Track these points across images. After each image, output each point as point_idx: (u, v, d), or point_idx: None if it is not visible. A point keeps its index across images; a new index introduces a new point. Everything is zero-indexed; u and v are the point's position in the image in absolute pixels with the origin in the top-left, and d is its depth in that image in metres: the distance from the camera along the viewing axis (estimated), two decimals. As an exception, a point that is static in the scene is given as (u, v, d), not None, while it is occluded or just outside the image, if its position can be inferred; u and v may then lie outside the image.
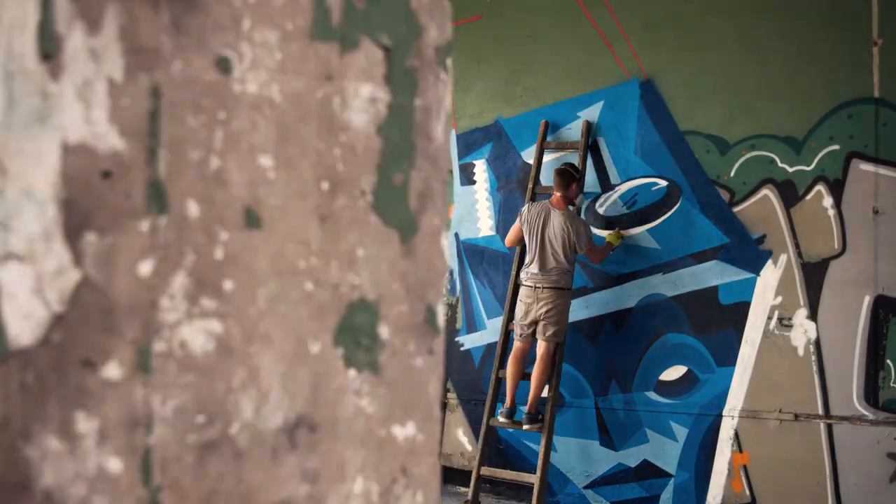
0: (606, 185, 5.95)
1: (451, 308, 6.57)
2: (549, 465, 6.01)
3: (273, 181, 0.60)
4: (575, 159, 5.90)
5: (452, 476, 6.45)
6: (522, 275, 5.68)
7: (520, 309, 5.66)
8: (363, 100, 0.65)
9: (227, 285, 0.58)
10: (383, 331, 0.66)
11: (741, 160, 5.45)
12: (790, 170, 5.30)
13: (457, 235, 6.59)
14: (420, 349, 0.67)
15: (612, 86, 5.95)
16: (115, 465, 0.52)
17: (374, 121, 0.65)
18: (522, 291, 5.65)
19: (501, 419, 5.69)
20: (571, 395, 5.97)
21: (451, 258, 6.59)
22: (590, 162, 5.97)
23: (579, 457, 5.94)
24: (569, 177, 5.58)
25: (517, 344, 5.69)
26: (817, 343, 5.16)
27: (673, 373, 5.62)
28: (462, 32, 6.59)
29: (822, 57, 5.21)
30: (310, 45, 0.62)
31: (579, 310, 5.93)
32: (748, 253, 5.39)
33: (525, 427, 5.63)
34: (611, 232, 5.76)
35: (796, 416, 5.17)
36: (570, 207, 5.64)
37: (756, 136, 5.41)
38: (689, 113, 5.64)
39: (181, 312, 0.55)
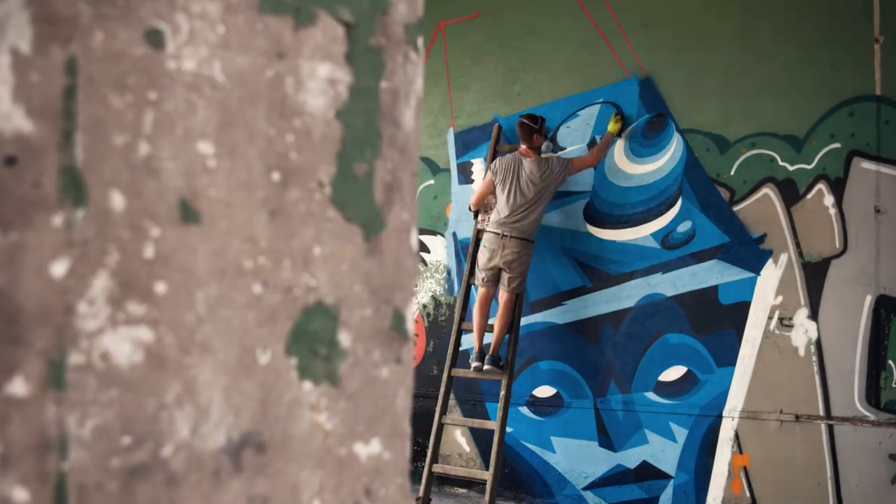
0: (604, 183, 5.90)
1: (449, 308, 6.53)
2: (548, 466, 5.97)
3: (214, 170, 0.53)
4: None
5: (451, 478, 6.40)
6: (490, 224, 5.78)
7: (482, 255, 5.76)
8: (321, 81, 0.58)
9: (159, 288, 0.51)
10: (344, 338, 0.59)
11: (741, 159, 5.41)
12: (791, 168, 5.26)
13: (454, 235, 6.55)
14: (386, 358, 0.61)
15: (611, 84, 5.90)
16: (21, 495, 0.45)
17: (333, 104, 0.58)
18: (486, 238, 5.75)
19: (474, 364, 5.75)
20: (570, 395, 5.93)
21: (449, 257, 6.54)
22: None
23: (578, 458, 5.89)
24: (528, 128, 5.76)
25: (480, 290, 5.80)
26: (818, 343, 5.12)
27: (672, 373, 5.58)
28: (460, 30, 6.56)
29: (822, 54, 5.17)
30: (258, 18, 0.55)
31: (578, 309, 5.90)
32: (748, 252, 5.35)
33: (485, 368, 5.69)
34: (610, 122, 5.79)
35: (797, 417, 5.13)
36: (540, 154, 5.80)
37: (756, 134, 5.37)
38: (689, 111, 5.60)
39: (103, 319, 0.48)
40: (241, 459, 0.53)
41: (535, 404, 6.07)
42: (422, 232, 6.69)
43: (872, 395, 4.96)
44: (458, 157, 6.57)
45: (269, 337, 0.55)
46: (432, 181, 6.66)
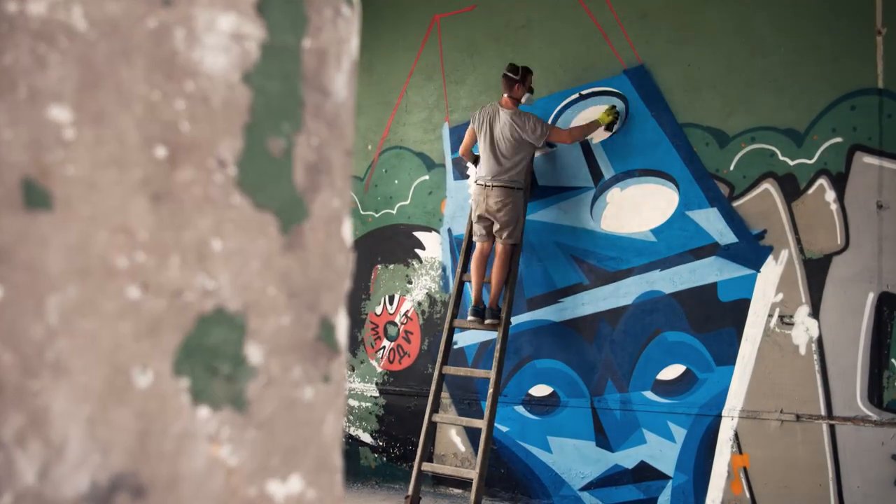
0: (600, 181, 5.83)
1: (444, 305, 6.44)
2: (544, 466, 5.92)
3: (72, 142, 0.41)
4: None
5: (445, 478, 6.34)
6: (475, 177, 5.79)
7: (472, 208, 5.78)
8: (222, 36, 0.46)
9: (-7, 292, 0.39)
10: (253, 352, 0.47)
11: (741, 153, 5.36)
12: (791, 163, 5.21)
13: (450, 231, 6.47)
14: (310, 376, 0.49)
15: (609, 77, 5.83)
16: None
17: (239, 65, 0.47)
18: (473, 191, 5.77)
19: (470, 318, 5.76)
20: (567, 394, 5.87)
21: (444, 254, 6.47)
22: (582, 156, 5.87)
23: (575, 458, 5.83)
24: (510, 79, 5.69)
25: (477, 245, 5.80)
26: (819, 341, 5.06)
27: (671, 372, 5.52)
28: (455, 23, 6.49)
29: (824, 46, 5.11)
30: (136, -46, 0.44)
31: (575, 307, 5.84)
32: (748, 249, 5.29)
33: (487, 321, 5.68)
34: (602, 112, 5.73)
35: (798, 417, 5.08)
36: (520, 106, 5.76)
37: (756, 128, 5.32)
38: (688, 105, 5.53)
39: None
40: (113, 508, 0.42)
41: (532, 403, 6.00)
42: (417, 228, 6.60)
43: (875, 394, 4.92)
44: (453, 152, 6.49)
45: (151, 353, 0.44)
46: (427, 176, 6.57)
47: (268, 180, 0.48)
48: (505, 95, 5.74)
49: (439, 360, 5.84)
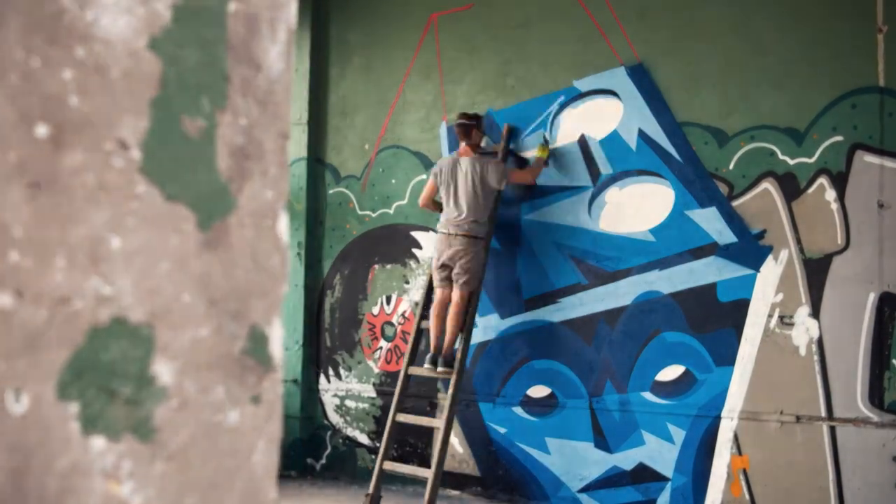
0: (599, 180, 5.78)
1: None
2: (542, 467, 5.89)
3: (-77, 118, 0.34)
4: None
5: (443, 478, 6.29)
6: (439, 225, 5.83)
7: (434, 256, 5.81)
8: (124, -7, 0.39)
9: None
10: (162, 370, 0.39)
11: (740, 152, 5.32)
12: (791, 162, 5.17)
13: (447, 230, 6.42)
14: (235, 396, 0.42)
15: (608, 69, 5.79)
16: None
17: (145, 29, 0.39)
18: (437, 239, 5.81)
19: (426, 366, 5.77)
20: (565, 395, 5.83)
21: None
22: (580, 155, 5.81)
23: (573, 459, 5.79)
24: (465, 126, 5.80)
25: (437, 292, 5.82)
26: (820, 342, 5.03)
27: (670, 373, 5.49)
28: (453, 21, 6.46)
29: (824, 44, 5.07)
30: None
31: (573, 307, 5.80)
32: (748, 248, 5.24)
33: (439, 370, 5.71)
34: (538, 146, 5.87)
35: (798, 418, 5.04)
36: (478, 153, 5.85)
37: (756, 127, 5.28)
38: (687, 103, 5.49)
39: None
40: (-22, 562, 0.35)
41: (530, 404, 5.96)
42: (414, 228, 6.55)
43: (876, 395, 4.89)
44: (450, 151, 6.43)
45: (28, 373, 0.36)
46: (424, 176, 6.52)
47: (183, 167, 0.40)
48: (463, 144, 5.82)
49: (406, 360, 5.86)
